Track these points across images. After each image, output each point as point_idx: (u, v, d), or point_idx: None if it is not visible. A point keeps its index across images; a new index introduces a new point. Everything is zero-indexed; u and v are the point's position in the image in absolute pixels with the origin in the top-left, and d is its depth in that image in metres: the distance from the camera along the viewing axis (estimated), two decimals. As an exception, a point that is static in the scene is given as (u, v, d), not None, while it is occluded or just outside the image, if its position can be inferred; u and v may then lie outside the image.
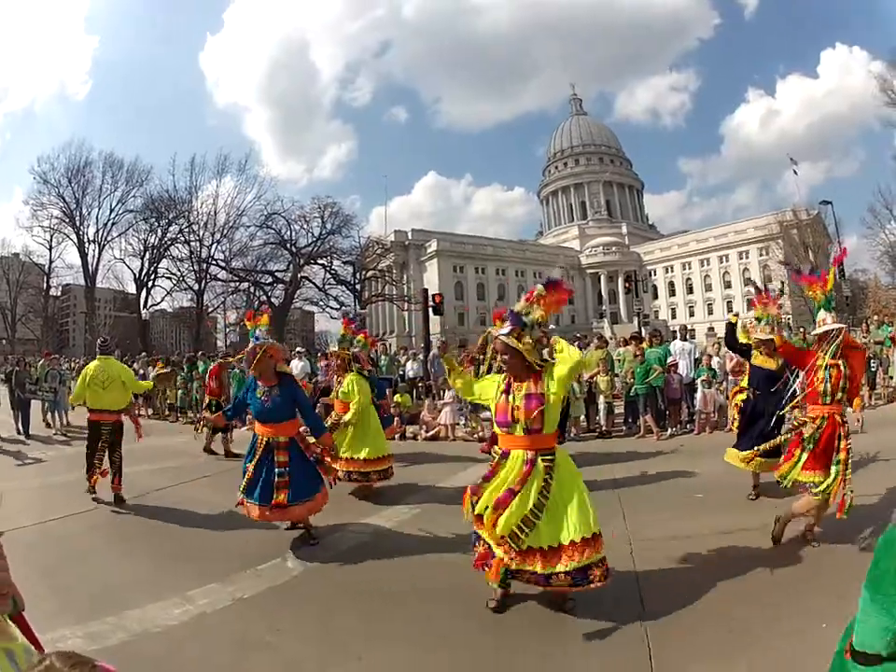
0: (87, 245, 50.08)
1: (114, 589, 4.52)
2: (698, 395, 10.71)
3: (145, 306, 50.51)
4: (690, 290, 76.98)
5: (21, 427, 13.41)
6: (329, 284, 49.83)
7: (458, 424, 11.59)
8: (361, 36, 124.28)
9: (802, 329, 13.11)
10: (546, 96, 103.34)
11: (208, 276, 48.85)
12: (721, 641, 3.37)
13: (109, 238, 49.87)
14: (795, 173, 68.15)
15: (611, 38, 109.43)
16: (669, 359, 11.09)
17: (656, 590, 4.00)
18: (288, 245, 49.37)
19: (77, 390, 7.34)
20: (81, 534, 5.98)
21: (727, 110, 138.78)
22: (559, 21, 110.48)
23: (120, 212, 49.94)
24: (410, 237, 74.79)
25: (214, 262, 48.92)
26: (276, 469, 5.14)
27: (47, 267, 52.63)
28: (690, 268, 77.14)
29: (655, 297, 77.75)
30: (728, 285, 73.54)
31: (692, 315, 73.59)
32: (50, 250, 51.13)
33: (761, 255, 67.31)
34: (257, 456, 5.23)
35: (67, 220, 49.53)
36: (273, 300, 48.76)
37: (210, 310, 49.55)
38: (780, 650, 3.19)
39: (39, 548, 5.37)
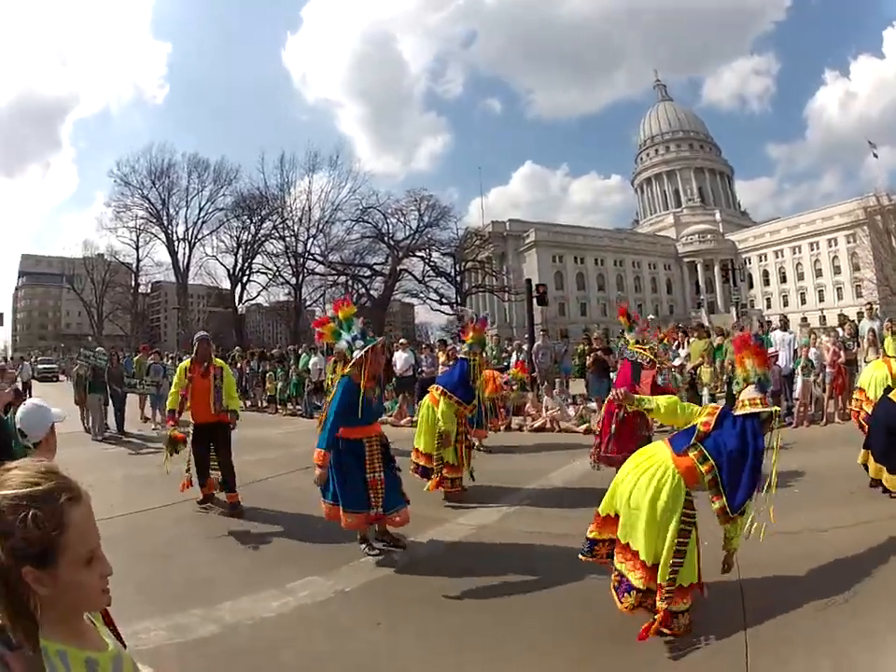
0: (176, 243, 51.21)
1: (206, 581, 4.47)
2: (798, 384, 10.40)
3: (240, 301, 51.21)
4: (783, 279, 74.25)
5: (91, 426, 12.40)
6: (429, 276, 50.15)
7: (564, 414, 11.40)
8: (445, 27, 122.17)
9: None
10: (637, 82, 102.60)
11: (305, 271, 49.30)
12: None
13: (200, 236, 50.93)
14: (875, 156, 65.47)
15: (692, 23, 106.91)
16: (770, 350, 10.54)
17: (758, 592, 3.81)
18: (386, 239, 49.63)
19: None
20: (171, 526, 5.95)
21: (808, 93, 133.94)
22: (641, 6, 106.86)
23: (210, 211, 50.90)
24: (508, 228, 73.44)
25: (310, 257, 49.44)
26: (392, 465, 4.98)
27: (134, 266, 53.69)
28: (782, 256, 74.30)
29: (751, 286, 75.01)
30: (819, 273, 70.70)
31: (786, 304, 70.90)
32: (137, 249, 52.21)
33: (848, 242, 64.41)
34: (377, 460, 4.85)
35: (154, 220, 50.68)
36: (372, 292, 48.77)
37: (308, 304, 49.40)
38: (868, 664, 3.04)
39: (126, 540, 5.26)
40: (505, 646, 3.41)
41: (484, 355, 7.43)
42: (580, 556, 3.75)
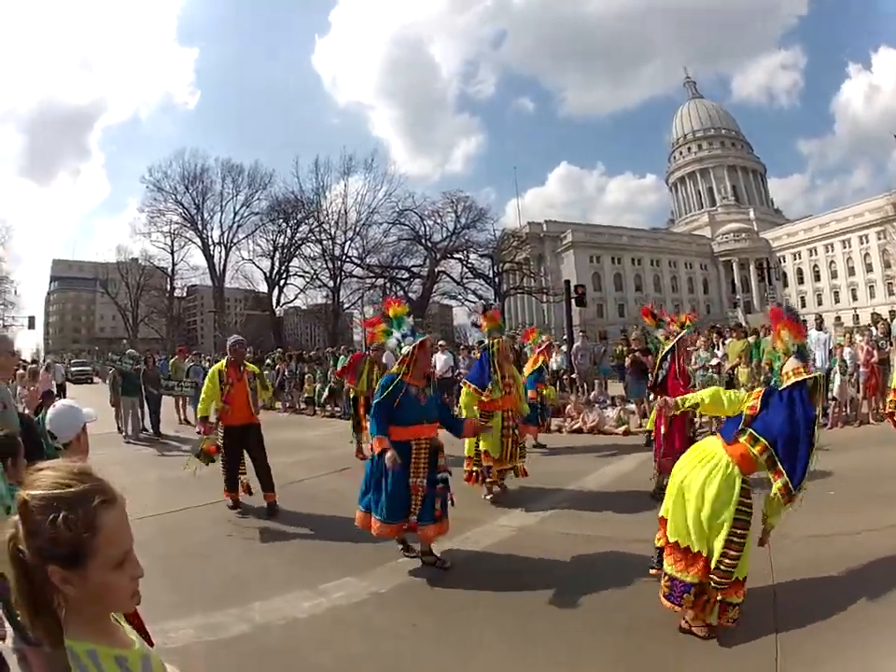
0: (212, 247, 51.55)
1: (238, 581, 4.47)
2: (836, 384, 10.20)
3: (277, 304, 51.42)
4: (817, 277, 73.24)
5: (124, 428, 12.36)
6: (467, 277, 50.16)
7: (603, 418, 11.35)
8: (474, 28, 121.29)
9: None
10: (667, 79, 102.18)
11: (343, 273, 49.48)
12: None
13: (235, 240, 51.21)
14: None
15: (718, 17, 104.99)
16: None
17: (790, 595, 3.76)
18: (423, 241, 49.80)
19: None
20: (208, 525, 5.98)
21: (834, 87, 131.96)
22: (668, 2, 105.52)
23: (245, 215, 51.24)
24: (545, 228, 72.85)
25: (348, 259, 49.57)
26: (439, 475, 4.65)
27: (169, 270, 54.20)
28: (816, 254, 73.30)
29: (786, 285, 74.12)
30: (852, 271, 69.52)
31: (819, 303, 69.81)
32: (172, 254, 52.65)
33: (879, 238, 63.23)
34: (422, 465, 4.57)
35: (188, 225, 51.13)
36: (410, 294, 48.69)
37: (346, 306, 49.38)
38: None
39: (160, 540, 5.32)
40: (542, 648, 3.40)
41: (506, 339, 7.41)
42: (650, 571, 3.79)
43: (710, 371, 10.61)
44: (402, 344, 4.78)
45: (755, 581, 3.62)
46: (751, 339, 11.92)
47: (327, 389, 15.55)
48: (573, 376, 14.40)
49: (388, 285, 49.34)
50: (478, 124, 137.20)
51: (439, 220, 49.39)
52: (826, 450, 7.45)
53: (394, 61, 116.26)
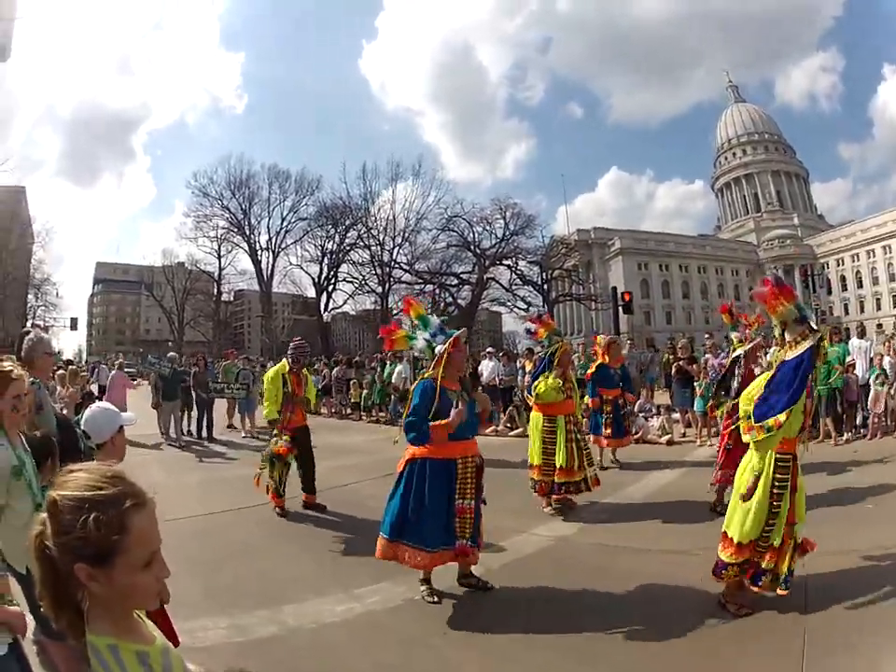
0: (259, 252, 51.91)
1: (272, 583, 4.46)
2: (872, 395, 9.97)
3: (325, 309, 51.77)
4: (860, 284, 72.23)
5: (166, 431, 12.26)
6: (516, 284, 49.89)
7: (647, 428, 11.07)
8: (520, 33, 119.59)
9: None
10: (713, 84, 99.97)
11: (392, 279, 49.54)
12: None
13: (283, 245, 51.54)
14: None
15: (759, 21, 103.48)
16: (847, 359, 10.54)
17: (822, 603, 3.70)
18: (472, 247, 49.68)
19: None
20: (245, 528, 6.02)
21: (872, 90, 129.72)
22: (711, 7, 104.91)
23: (292, 220, 51.59)
24: (592, 235, 72.61)
25: (397, 265, 49.62)
26: (483, 496, 4.33)
27: (216, 274, 54.74)
28: (858, 260, 72.26)
29: (829, 292, 73.10)
30: (892, 277, 68.37)
31: (862, 310, 68.99)
32: (219, 258, 53.16)
33: None
34: (469, 486, 4.15)
35: (236, 230, 51.53)
36: (459, 301, 48.74)
37: (395, 312, 49.34)
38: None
39: (198, 540, 5.42)
40: (572, 661, 3.38)
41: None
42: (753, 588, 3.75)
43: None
44: (434, 344, 4.38)
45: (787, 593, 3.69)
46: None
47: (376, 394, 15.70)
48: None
49: (437, 291, 49.19)
50: (527, 129, 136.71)
51: (487, 227, 49.37)
52: (862, 463, 7.54)
53: (442, 65, 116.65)
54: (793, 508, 3.62)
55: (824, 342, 4.04)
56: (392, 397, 15.09)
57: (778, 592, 3.57)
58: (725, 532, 3.75)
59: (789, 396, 3.63)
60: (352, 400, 16.60)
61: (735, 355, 6.32)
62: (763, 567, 3.60)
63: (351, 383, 16.58)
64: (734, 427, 5.69)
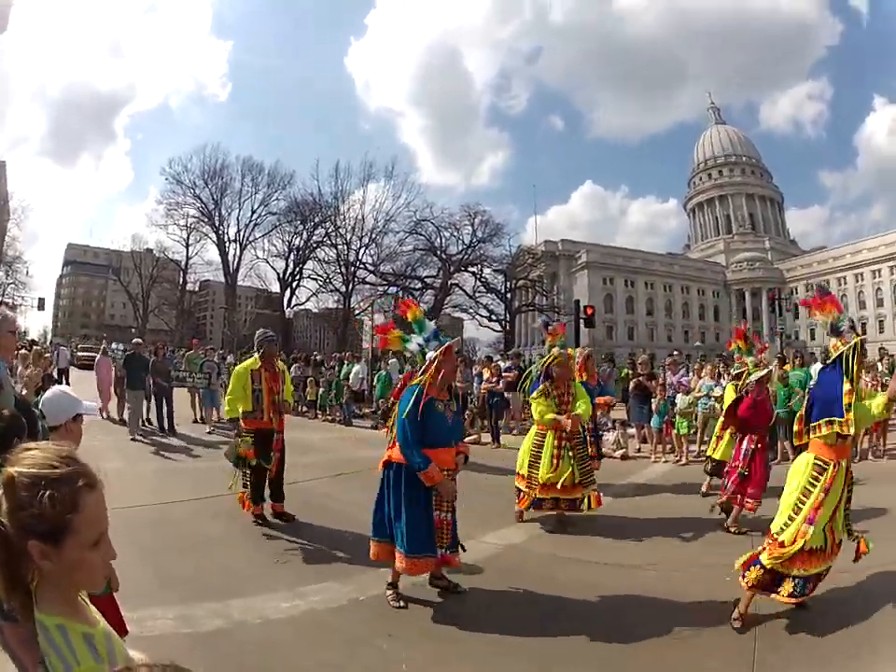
0: (227, 244, 51.61)
1: (222, 577, 4.50)
2: None
3: (288, 305, 51.43)
4: (827, 310, 72.83)
5: (128, 420, 11.59)
6: (479, 291, 49.88)
7: (604, 440, 11.00)
8: (511, 42, 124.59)
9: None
10: (698, 105, 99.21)
11: (356, 279, 49.21)
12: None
13: (251, 238, 51.30)
14: None
15: (750, 48, 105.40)
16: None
17: (773, 629, 3.76)
18: (438, 252, 49.50)
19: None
20: (199, 520, 6.01)
21: (859, 120, 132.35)
22: (701, 31, 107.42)
23: (262, 214, 51.37)
24: (560, 247, 73.47)
25: (362, 266, 49.24)
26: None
27: (183, 263, 54.48)
28: (828, 286, 72.73)
29: (796, 317, 73.69)
30: (862, 305, 69.76)
31: (758, 339, 69.24)
32: (187, 247, 52.88)
33: (892, 273, 64.45)
34: (448, 497, 4.15)
35: (205, 220, 51.24)
36: (422, 305, 47.87)
37: (357, 312, 49.30)
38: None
39: (150, 529, 5.43)
40: (516, 659, 3.44)
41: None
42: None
43: (713, 400, 10.43)
44: (426, 350, 4.35)
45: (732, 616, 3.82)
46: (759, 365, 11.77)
47: (381, 412, 15.41)
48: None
49: (401, 294, 48.79)
50: (507, 139, 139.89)
51: (455, 233, 49.31)
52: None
53: (428, 68, 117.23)
54: (816, 507, 3.68)
55: (786, 365, 4.54)
56: (345, 397, 15.31)
57: (782, 598, 3.72)
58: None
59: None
60: (308, 398, 16.56)
61: (751, 379, 6.22)
62: (762, 561, 3.72)
63: (308, 381, 16.51)
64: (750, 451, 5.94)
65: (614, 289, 73.43)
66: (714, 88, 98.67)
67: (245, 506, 5.92)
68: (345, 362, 17.00)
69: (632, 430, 11.51)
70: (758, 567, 3.74)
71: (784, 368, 10.80)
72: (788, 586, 3.69)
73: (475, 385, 13.43)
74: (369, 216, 49.03)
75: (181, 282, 56.52)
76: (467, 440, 10.72)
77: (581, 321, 18.52)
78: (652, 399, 10.78)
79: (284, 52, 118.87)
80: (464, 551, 4.35)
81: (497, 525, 6.07)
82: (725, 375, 11.69)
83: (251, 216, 51.08)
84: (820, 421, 3.75)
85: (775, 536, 3.77)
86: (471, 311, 49.93)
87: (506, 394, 12.57)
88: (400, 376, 13.05)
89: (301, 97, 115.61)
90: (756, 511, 5.78)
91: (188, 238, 52.01)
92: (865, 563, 4.17)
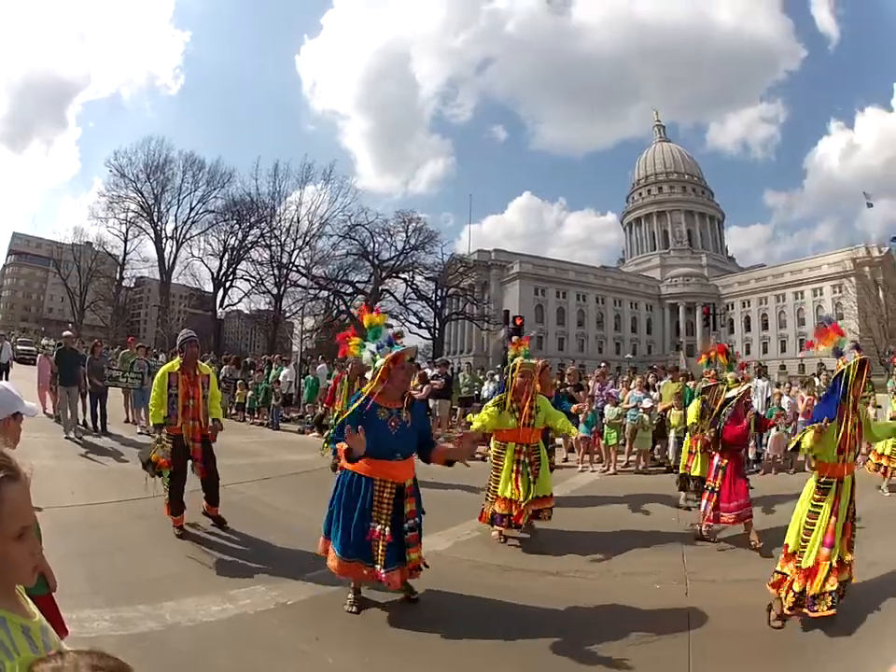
0: (164, 240, 51.04)
1: (153, 579, 4.52)
2: (771, 435, 10.29)
3: (220, 305, 50.82)
4: (765, 326, 75.21)
5: (62, 418, 11.24)
6: (410, 298, 50.21)
7: None
8: (464, 50, 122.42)
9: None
10: (647, 123, 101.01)
11: (288, 282, 48.86)
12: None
13: (188, 236, 50.64)
14: (870, 205, 66.90)
15: (707, 69, 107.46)
16: None
17: (706, 634, 3.94)
18: (371, 258, 49.52)
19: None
20: (128, 521, 5.97)
21: (811, 143, 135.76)
22: (659, 50, 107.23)
23: (200, 211, 50.71)
24: (492, 257, 74.08)
25: (294, 268, 48.92)
26: (407, 523, 4.11)
27: (121, 258, 53.46)
28: (766, 303, 75.23)
29: (731, 331, 75.84)
30: (802, 322, 71.43)
31: (765, 351, 71.67)
32: (126, 242, 51.96)
33: (834, 292, 65.08)
34: (385, 510, 4.03)
35: (145, 215, 50.43)
36: (352, 310, 48.53)
37: (287, 315, 49.39)
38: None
39: (83, 529, 5.40)
40: (434, 663, 3.53)
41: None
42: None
43: (641, 411, 10.66)
44: (377, 357, 4.25)
45: (674, 620, 4.04)
46: (691, 384, 11.77)
47: (314, 419, 15.31)
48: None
49: (332, 298, 49.37)
50: (449, 147, 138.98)
51: (389, 238, 49.52)
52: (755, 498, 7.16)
53: (377, 72, 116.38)
54: (831, 531, 3.89)
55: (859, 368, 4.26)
56: (275, 400, 15.20)
57: (822, 612, 3.81)
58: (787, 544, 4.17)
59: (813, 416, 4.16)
60: (237, 401, 16.45)
61: (729, 395, 6.26)
62: (795, 589, 3.89)
63: (238, 383, 16.42)
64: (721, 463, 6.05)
65: (546, 300, 74.19)
66: (664, 106, 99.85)
67: (166, 510, 5.71)
68: (274, 365, 16.92)
69: (558, 441, 11.38)
70: (793, 594, 3.91)
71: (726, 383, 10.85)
72: (827, 601, 3.82)
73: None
74: (304, 218, 48.81)
75: (118, 278, 55.40)
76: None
77: (510, 330, 18.40)
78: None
79: (239, 47, 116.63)
80: (426, 567, 4.30)
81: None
82: (655, 387, 12.15)
83: (189, 213, 50.45)
84: (802, 430, 4.07)
85: (798, 562, 3.95)
86: (401, 317, 49.80)
87: (432, 402, 12.59)
88: (329, 381, 13.03)
89: (251, 94, 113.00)
90: (736, 524, 5.91)
91: (126, 233, 51.14)
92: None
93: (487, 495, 6.15)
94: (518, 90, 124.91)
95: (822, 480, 3.99)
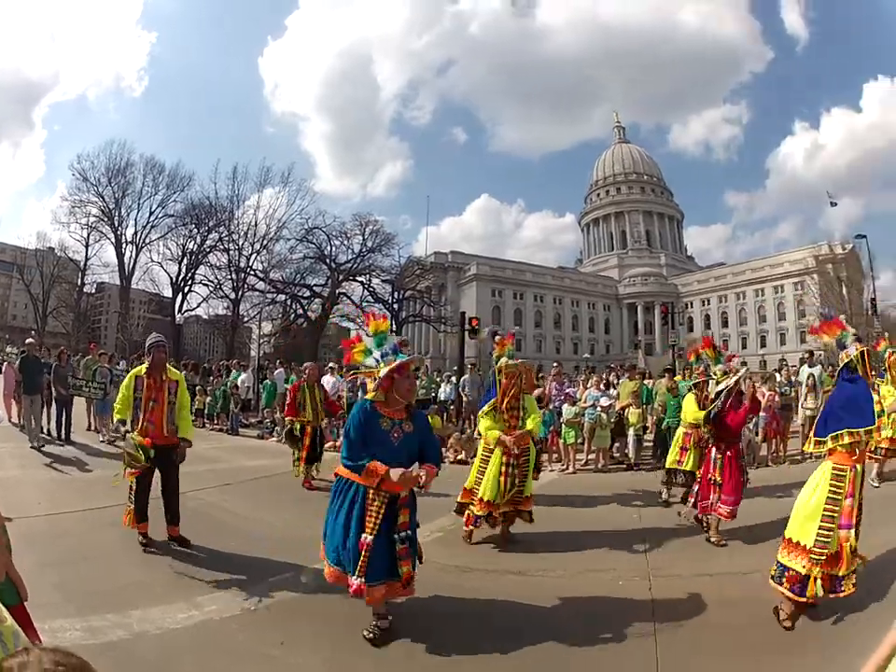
0: (124, 245, 50.72)
1: (120, 587, 4.53)
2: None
3: (179, 311, 50.80)
4: (725, 324, 76.35)
5: (27, 427, 11.20)
6: (367, 301, 50.05)
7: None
8: (425, 52, 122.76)
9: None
10: (609, 126, 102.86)
11: (246, 286, 48.92)
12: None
13: (148, 241, 50.49)
14: (833, 204, 68.11)
15: (671, 71, 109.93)
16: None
17: (671, 627, 4.00)
18: (328, 261, 49.55)
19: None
20: (94, 530, 5.96)
21: (774, 144, 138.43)
22: (622, 52, 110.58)
23: (160, 216, 50.64)
24: (449, 259, 74.63)
25: (252, 273, 49.02)
26: (399, 534, 3.92)
27: (82, 264, 53.15)
28: (726, 301, 76.39)
29: (691, 329, 76.77)
30: (763, 319, 73.02)
31: (726, 348, 72.06)
32: (87, 247, 51.67)
33: (796, 289, 66.74)
34: (375, 521, 3.86)
35: (106, 220, 50.21)
36: (309, 313, 49.02)
37: (246, 320, 49.45)
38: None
39: (50, 539, 5.42)
40: (392, 665, 3.59)
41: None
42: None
43: (599, 409, 10.65)
44: (381, 365, 4.12)
45: (639, 616, 4.09)
46: (646, 382, 12.14)
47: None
48: (460, 407, 14.57)
49: (289, 302, 49.41)
50: (407, 149, 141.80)
51: (346, 241, 49.65)
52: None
53: (338, 74, 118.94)
54: (847, 514, 3.96)
55: (676, 377, 4.28)
56: (233, 406, 15.18)
57: (847, 591, 3.92)
58: (789, 538, 4.16)
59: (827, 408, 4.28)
60: (196, 407, 16.08)
61: (719, 388, 6.33)
62: (830, 573, 3.95)
63: (196, 389, 16.21)
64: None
65: (503, 302, 74.89)
66: (627, 108, 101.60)
67: (125, 520, 5.53)
68: (232, 370, 16.87)
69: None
70: (821, 583, 3.93)
71: (674, 379, 10.98)
72: (851, 580, 3.95)
73: (360, 394, 13.03)
74: (262, 221, 49.00)
75: (79, 283, 54.94)
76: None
77: (467, 332, 19.02)
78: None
79: (205, 48, 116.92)
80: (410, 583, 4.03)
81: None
82: (613, 386, 12.18)
83: (149, 217, 50.38)
84: (841, 431, 3.99)
85: (816, 554, 3.94)
86: (359, 321, 48.28)
87: None
88: (287, 385, 13.21)
89: (213, 96, 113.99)
90: (731, 519, 5.94)
91: (88, 238, 50.95)
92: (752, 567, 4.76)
93: (471, 498, 6.10)
94: (479, 92, 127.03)
95: (838, 467, 4.06)
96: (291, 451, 8.71)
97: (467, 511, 6.12)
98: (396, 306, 50.86)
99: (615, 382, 12.80)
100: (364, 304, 49.36)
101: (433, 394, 15.06)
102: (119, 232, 50.52)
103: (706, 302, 78.60)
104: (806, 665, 3.66)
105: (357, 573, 3.79)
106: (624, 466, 10.97)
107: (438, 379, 16.47)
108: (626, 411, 11.10)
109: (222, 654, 3.68)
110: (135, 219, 50.54)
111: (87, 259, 52.40)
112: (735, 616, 4.20)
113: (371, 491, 3.88)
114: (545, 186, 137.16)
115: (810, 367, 12.65)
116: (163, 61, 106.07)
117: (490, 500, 5.90)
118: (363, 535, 3.82)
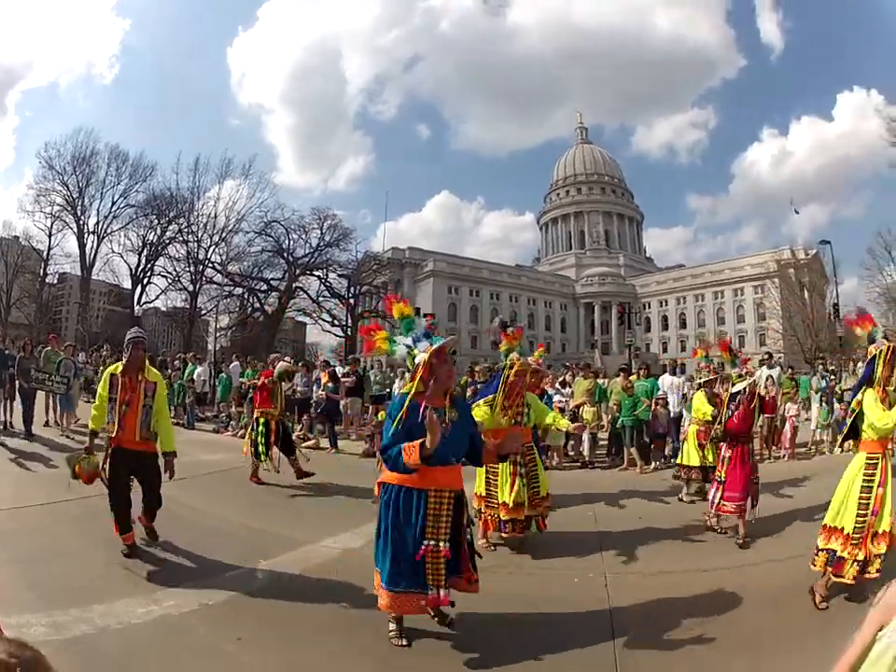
0: (86, 235, 50.42)
1: (83, 582, 4.57)
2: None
3: (138, 303, 50.64)
4: (683, 325, 77.18)
5: (10, 421, 11.32)
6: (324, 296, 50.27)
7: None
8: (393, 47, 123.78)
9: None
10: (571, 126, 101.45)
11: (204, 278, 48.81)
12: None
13: (109, 231, 50.13)
14: (796, 212, 69.70)
15: (640, 73, 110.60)
16: (658, 393, 11.12)
17: (629, 623, 4.09)
18: (286, 255, 49.55)
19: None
20: (54, 526, 5.96)
21: (740, 149, 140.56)
22: (594, 54, 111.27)
23: (122, 206, 50.20)
24: (406, 255, 74.65)
25: (210, 265, 48.91)
26: (465, 536, 3.79)
27: (45, 253, 52.57)
28: (684, 302, 77.44)
29: (648, 329, 77.99)
30: (722, 321, 73.65)
31: (683, 349, 72.98)
32: (50, 237, 51.10)
33: (756, 292, 67.63)
34: (444, 523, 3.62)
35: (69, 209, 49.81)
36: (266, 307, 49.20)
37: (203, 312, 49.40)
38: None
39: (13, 534, 5.47)
40: (351, 663, 3.62)
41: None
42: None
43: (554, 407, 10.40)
44: (414, 351, 3.79)
45: (595, 612, 4.20)
46: (601, 380, 12.25)
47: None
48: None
49: (246, 295, 49.31)
50: (370, 144, 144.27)
51: (304, 235, 49.56)
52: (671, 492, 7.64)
53: (305, 67, 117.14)
54: (878, 500, 4.19)
55: (632, 376, 4.48)
56: (188, 399, 14.96)
57: (872, 574, 4.09)
58: (826, 524, 4.43)
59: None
60: None
61: (734, 390, 6.47)
62: (858, 558, 4.15)
63: None
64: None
65: (459, 299, 75.11)
66: (591, 109, 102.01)
67: (115, 530, 5.26)
68: (189, 363, 16.57)
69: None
70: (856, 565, 4.15)
71: (629, 378, 11.12)
72: (876, 563, 4.14)
73: (315, 389, 13.25)
74: (221, 213, 48.74)
75: (42, 273, 54.21)
76: (304, 445, 9.97)
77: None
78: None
79: (177, 37, 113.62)
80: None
81: (335, 530, 6.09)
82: (570, 384, 12.19)
83: (111, 207, 49.88)
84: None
85: (855, 541, 4.18)
86: (315, 315, 50.27)
87: (343, 400, 12.94)
88: (242, 379, 13.36)
89: (181, 85, 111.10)
90: (741, 516, 5.99)
91: (51, 227, 50.32)
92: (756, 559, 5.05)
93: (487, 502, 5.87)
94: (445, 89, 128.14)
95: (869, 455, 4.30)
96: (256, 444, 8.41)
97: (487, 517, 5.87)
98: (352, 301, 51.00)
99: (570, 381, 12.79)
100: (320, 299, 49.75)
101: (388, 390, 14.71)
102: (81, 222, 50.19)
103: (664, 303, 79.37)
104: (808, 656, 3.66)
105: (434, 585, 3.58)
106: (579, 464, 11.07)
107: (392, 375, 16.10)
108: (581, 409, 11.18)
109: (182, 649, 3.69)
110: (98, 209, 50.16)
111: (49, 248, 51.84)
112: (695, 611, 4.25)
113: (434, 494, 3.62)
114: (506, 184, 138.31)
115: (769, 368, 12.79)
116: (135, 49, 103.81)
117: (518, 503, 5.71)
118: (430, 541, 3.58)
